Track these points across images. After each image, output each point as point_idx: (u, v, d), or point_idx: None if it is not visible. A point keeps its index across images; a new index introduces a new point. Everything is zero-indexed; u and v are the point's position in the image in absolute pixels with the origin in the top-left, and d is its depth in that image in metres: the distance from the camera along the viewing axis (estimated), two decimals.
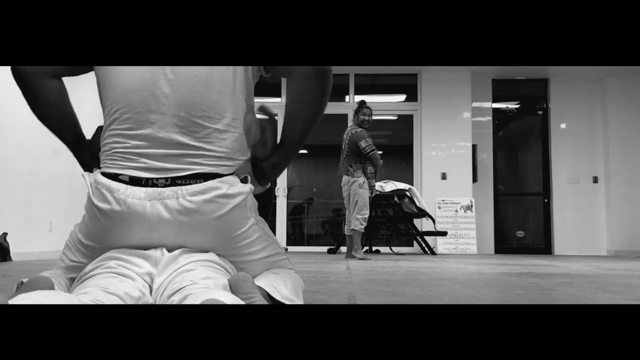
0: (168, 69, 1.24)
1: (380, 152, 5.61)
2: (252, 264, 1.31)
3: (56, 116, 1.40)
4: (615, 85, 7.95)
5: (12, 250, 4.76)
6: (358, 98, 7.53)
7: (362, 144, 5.34)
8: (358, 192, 5.38)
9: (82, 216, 1.29)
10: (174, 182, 1.21)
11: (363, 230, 5.49)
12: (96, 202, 1.22)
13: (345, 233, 5.61)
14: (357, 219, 5.37)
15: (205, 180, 1.22)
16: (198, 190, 1.21)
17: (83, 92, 4.92)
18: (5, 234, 4.73)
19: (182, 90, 1.23)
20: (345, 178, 5.50)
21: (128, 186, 1.21)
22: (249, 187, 1.27)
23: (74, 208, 6.09)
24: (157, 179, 1.22)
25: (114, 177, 1.23)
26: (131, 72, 1.24)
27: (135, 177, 1.22)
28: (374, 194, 6.18)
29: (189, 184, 1.22)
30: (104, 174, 1.24)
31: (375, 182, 5.79)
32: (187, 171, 1.23)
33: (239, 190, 1.25)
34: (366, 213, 5.41)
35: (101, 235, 1.24)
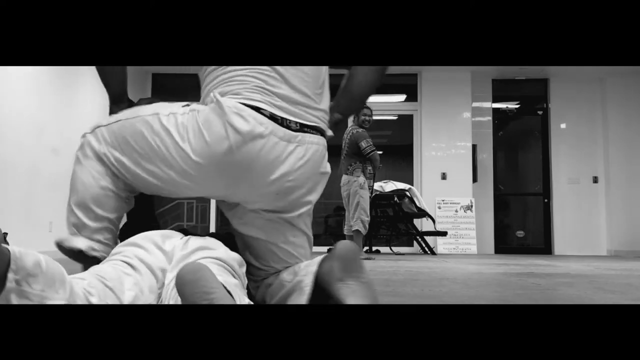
0: None
1: (380, 153, 5.61)
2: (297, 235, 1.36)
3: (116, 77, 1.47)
4: (615, 85, 7.94)
5: None
6: None
7: (363, 144, 5.33)
8: (359, 193, 5.35)
9: (178, 136, 1.22)
10: (302, 128, 1.25)
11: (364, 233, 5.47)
12: (234, 121, 1.19)
13: (345, 233, 5.59)
14: (360, 221, 5.33)
15: (321, 135, 1.29)
16: (317, 141, 1.27)
17: (84, 92, 4.94)
18: (5, 234, 4.73)
19: None
20: (344, 178, 5.48)
21: (270, 122, 1.22)
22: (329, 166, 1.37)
23: None
24: (290, 120, 1.24)
25: (256, 110, 1.22)
26: None
27: (275, 115, 1.23)
28: (373, 194, 6.17)
29: (312, 133, 1.26)
30: (244, 105, 1.22)
31: (374, 183, 5.78)
32: (310, 121, 1.27)
33: (326, 163, 1.35)
34: (368, 217, 5.40)
35: (218, 155, 1.20)
